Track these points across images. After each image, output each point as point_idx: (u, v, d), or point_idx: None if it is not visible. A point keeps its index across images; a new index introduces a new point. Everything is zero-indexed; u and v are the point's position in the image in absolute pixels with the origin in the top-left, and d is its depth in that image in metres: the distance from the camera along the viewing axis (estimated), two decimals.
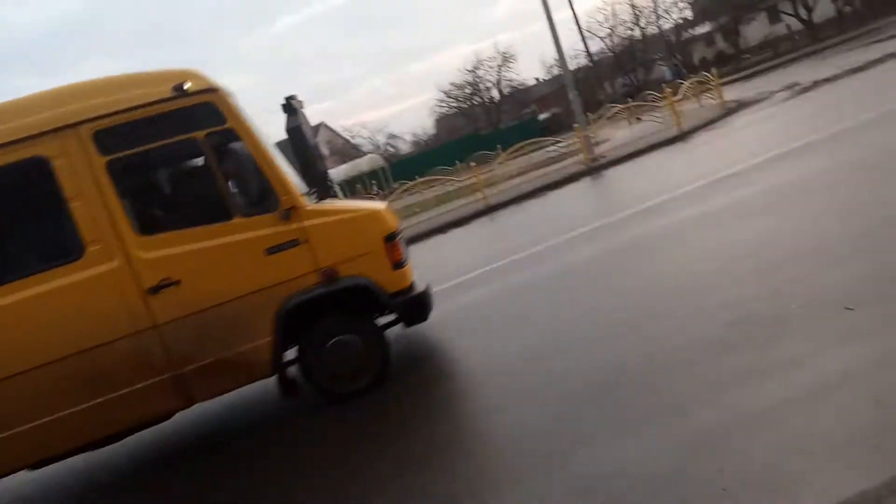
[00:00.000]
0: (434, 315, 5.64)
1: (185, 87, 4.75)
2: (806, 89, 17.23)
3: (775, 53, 39.43)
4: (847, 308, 3.91)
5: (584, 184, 15.52)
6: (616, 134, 22.54)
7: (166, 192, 5.46)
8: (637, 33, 49.44)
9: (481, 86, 61.04)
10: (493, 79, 60.49)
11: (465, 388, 5.08)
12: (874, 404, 2.95)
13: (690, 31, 48.06)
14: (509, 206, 15.95)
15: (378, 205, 5.63)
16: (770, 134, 12.26)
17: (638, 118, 23.05)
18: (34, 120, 4.58)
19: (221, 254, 4.85)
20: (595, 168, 16.76)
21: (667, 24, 48.87)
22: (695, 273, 5.63)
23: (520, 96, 63.70)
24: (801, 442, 2.88)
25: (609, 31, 49.90)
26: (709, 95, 21.39)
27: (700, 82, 22.40)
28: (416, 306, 5.32)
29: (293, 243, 4.95)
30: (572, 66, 49.06)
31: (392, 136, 66.95)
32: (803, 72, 22.92)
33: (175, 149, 5.00)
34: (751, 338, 4.00)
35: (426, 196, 21.69)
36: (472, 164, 18.99)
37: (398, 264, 5.23)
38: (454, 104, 62.66)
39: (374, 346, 5.21)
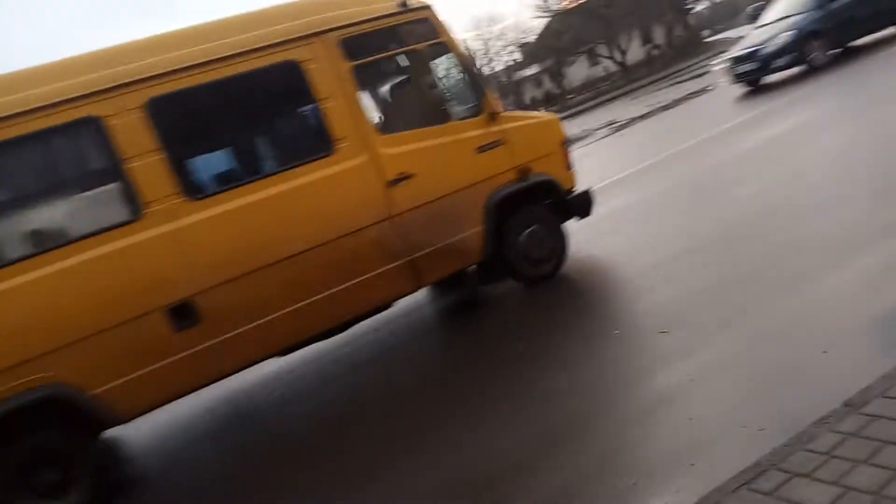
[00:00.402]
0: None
1: (408, 2, 5.33)
2: (623, 126, 18.67)
3: (596, 93, 42.44)
4: (661, 332, 4.13)
5: None
6: None
7: (397, 97, 6.18)
8: None
9: None
10: None
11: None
12: (688, 423, 3.12)
13: (520, 72, 50.71)
14: None
15: (552, 114, 6.92)
16: (589, 170, 12.92)
17: None
18: (287, 27, 4.92)
19: (444, 152, 5.46)
20: None
21: (499, 66, 51.32)
22: None
23: None
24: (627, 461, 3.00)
25: None
26: None
27: None
28: (584, 202, 6.23)
29: (496, 143, 5.68)
30: None
31: None
32: (620, 109, 24.93)
33: (402, 58, 5.79)
34: None
35: None
36: None
37: (569, 166, 6.19)
38: None
39: (557, 236, 6.05)
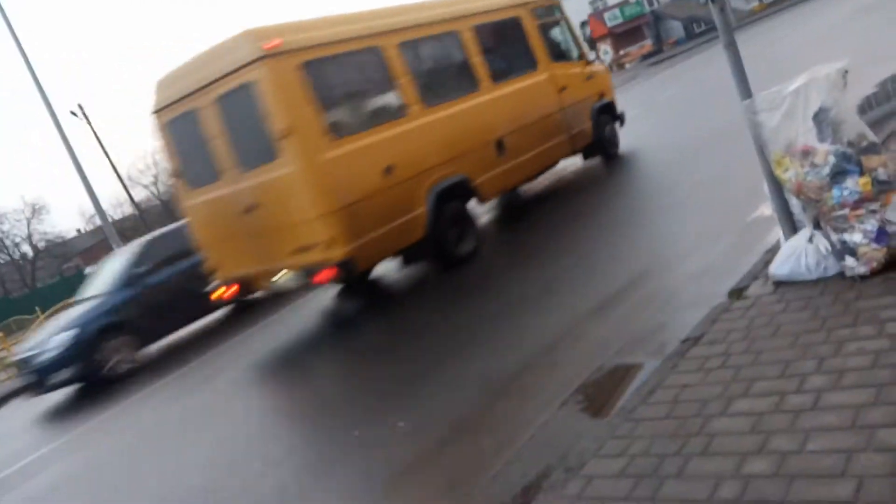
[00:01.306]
0: None
1: None
2: None
3: None
4: (398, 424, 4.12)
5: None
6: None
7: (553, 42, 9.73)
8: None
9: (8, 242, 53.71)
10: (23, 233, 53.85)
11: None
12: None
13: None
14: None
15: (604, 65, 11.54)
16: None
17: None
18: (509, 1, 9.06)
19: (576, 77, 9.71)
20: None
21: None
22: None
23: (59, 250, 57.68)
24: None
25: (153, 178, 49.18)
26: None
27: None
28: (622, 115, 10.76)
29: (592, 76, 10.09)
30: (118, 214, 47.46)
31: None
32: None
33: (553, 22, 9.85)
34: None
35: None
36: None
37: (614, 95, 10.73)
38: None
39: (615, 134, 10.53)
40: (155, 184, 49.05)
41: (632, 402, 3.05)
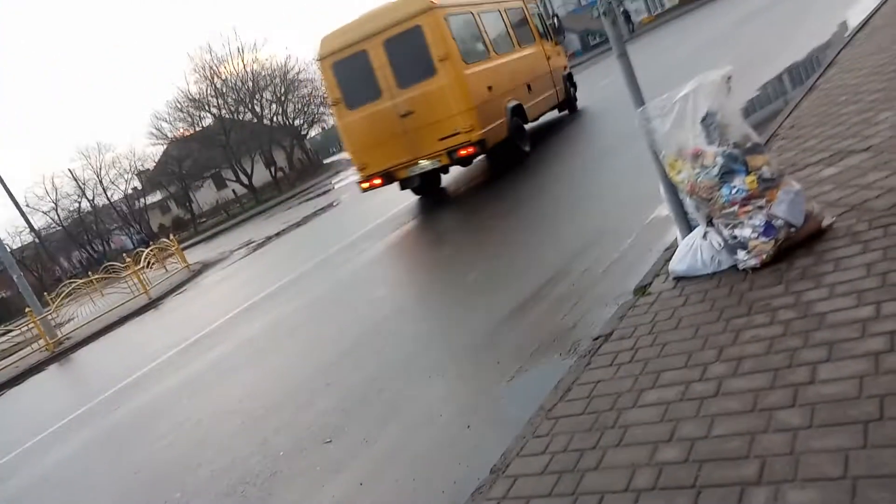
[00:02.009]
0: None
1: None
2: (260, 245, 19.05)
3: (228, 215, 42.92)
4: (326, 442, 4.10)
5: (49, 373, 13.75)
6: (81, 311, 20.98)
7: (540, 27, 14.52)
8: (85, 205, 47.41)
9: None
10: None
11: None
12: None
13: (143, 200, 48.66)
14: None
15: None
16: (236, 289, 12.95)
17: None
18: None
19: (553, 51, 14.39)
20: (61, 352, 15.08)
21: (116, 195, 48.44)
22: (182, 448, 5.29)
23: None
24: None
25: (53, 204, 46.75)
26: (173, 260, 21.70)
27: (161, 249, 22.60)
28: (575, 83, 15.39)
29: (559, 53, 15.13)
30: (16, 243, 44.88)
31: None
32: (255, 229, 25.47)
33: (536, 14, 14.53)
34: (249, 499, 3.93)
35: None
36: None
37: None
38: None
39: (575, 96, 15.48)
40: (55, 209, 46.40)
41: (550, 401, 3.15)
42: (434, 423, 3.85)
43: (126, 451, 5.94)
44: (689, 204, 3.78)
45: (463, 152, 9.97)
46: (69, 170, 47.14)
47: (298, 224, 19.80)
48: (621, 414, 2.77)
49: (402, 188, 11.58)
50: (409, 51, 9.94)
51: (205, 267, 19.61)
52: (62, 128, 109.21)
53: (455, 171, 12.76)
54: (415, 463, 3.51)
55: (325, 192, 29.03)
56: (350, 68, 10.45)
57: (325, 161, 59.05)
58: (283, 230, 19.96)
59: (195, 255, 23.78)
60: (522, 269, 5.86)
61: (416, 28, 9.88)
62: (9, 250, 21.72)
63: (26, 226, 43.57)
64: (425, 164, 10.40)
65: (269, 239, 19.50)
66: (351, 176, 30.45)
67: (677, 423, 2.55)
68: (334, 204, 21.45)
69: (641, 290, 3.90)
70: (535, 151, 12.08)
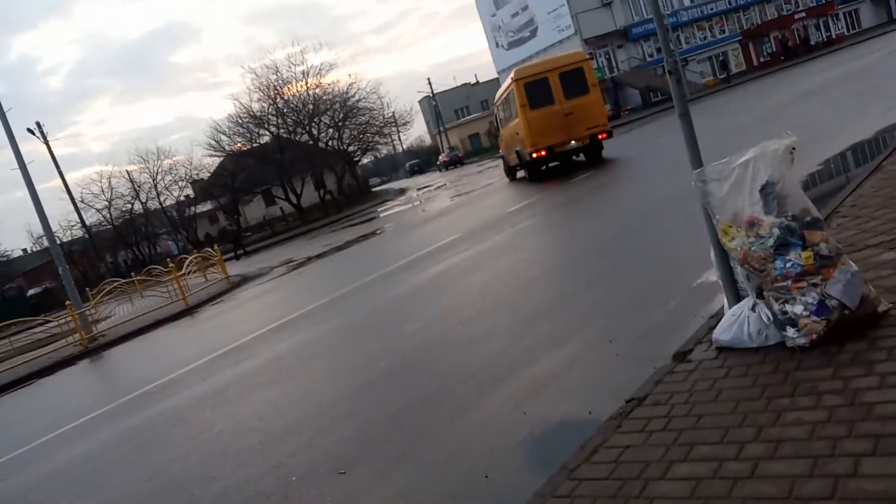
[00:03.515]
0: None
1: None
2: (300, 264, 19.24)
3: (273, 232, 43.58)
4: (340, 472, 4.02)
5: (80, 368, 13.96)
6: (119, 310, 21.40)
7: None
8: (138, 207, 48.76)
9: None
10: None
11: None
12: None
13: (193, 208, 49.81)
14: None
15: None
16: (271, 306, 13.06)
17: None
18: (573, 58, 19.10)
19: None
20: (94, 349, 15.33)
21: (169, 201, 49.70)
22: (198, 459, 5.27)
23: (2, 269, 55.61)
24: None
25: (107, 203, 48.16)
26: (213, 270, 22.06)
27: (204, 258, 23.00)
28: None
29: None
30: (67, 236, 46.20)
31: None
32: (297, 249, 25.83)
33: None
34: None
35: None
36: None
37: None
38: None
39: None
40: (108, 208, 47.85)
41: (574, 461, 3.03)
42: (452, 467, 3.75)
43: (143, 455, 5.95)
44: (739, 273, 3.66)
45: (600, 137, 17.82)
46: (127, 171, 48.57)
47: (340, 248, 19.98)
48: (648, 484, 2.65)
49: (551, 161, 18.74)
50: (573, 80, 17.63)
51: (244, 280, 19.87)
52: (129, 129, 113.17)
53: (509, 224, 12.73)
54: None
55: (369, 220, 29.32)
56: (535, 86, 17.67)
57: (374, 189, 59.79)
58: (324, 252, 20.15)
59: (236, 268, 24.15)
60: (563, 320, 5.75)
61: (580, 68, 17.89)
62: (58, 242, 22.35)
63: (79, 220, 45.08)
64: (573, 144, 17.76)
65: (309, 259, 19.70)
66: (398, 206, 30.75)
67: (707, 501, 2.42)
68: (377, 232, 21.61)
69: (681, 356, 3.77)
70: (583, 206, 12.02)
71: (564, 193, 14.80)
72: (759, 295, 3.56)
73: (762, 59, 51.11)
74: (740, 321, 3.58)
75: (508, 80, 18.90)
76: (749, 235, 3.45)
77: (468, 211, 18.90)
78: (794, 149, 3.44)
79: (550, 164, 19.09)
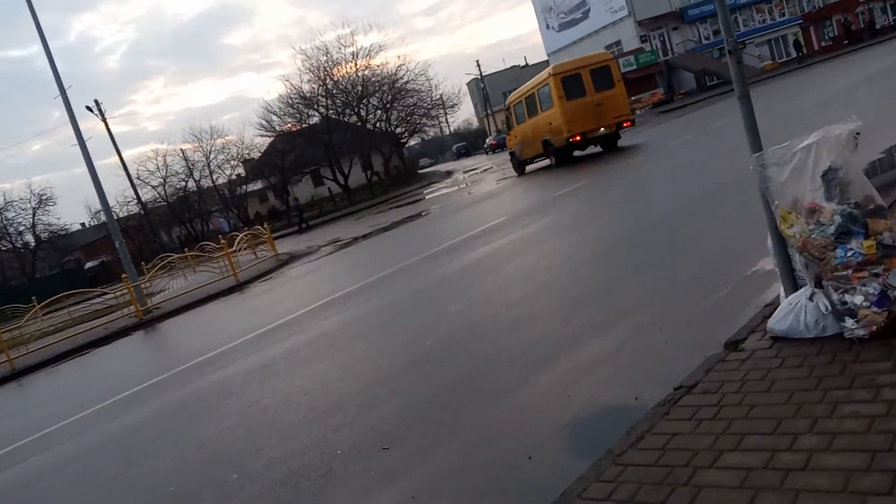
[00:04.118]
0: None
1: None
2: (347, 244, 19.46)
3: (320, 212, 44.07)
4: (384, 448, 4.06)
5: (134, 339, 14.44)
6: (172, 284, 21.97)
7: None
8: (192, 185, 49.89)
9: (11, 230, 53.54)
10: (28, 222, 53.76)
11: None
12: None
13: (244, 187, 50.68)
14: (43, 368, 13.89)
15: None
16: (318, 284, 13.25)
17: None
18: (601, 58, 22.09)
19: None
20: (148, 321, 15.80)
21: (221, 179, 50.68)
22: (245, 430, 5.39)
23: (61, 242, 57.49)
24: None
25: (162, 180, 49.39)
26: (263, 248, 22.45)
27: (254, 235, 23.43)
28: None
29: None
30: (124, 212, 47.58)
31: None
32: (344, 229, 26.11)
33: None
34: (301, 492, 3.93)
35: None
36: None
37: None
38: None
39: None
40: (163, 185, 49.15)
41: (620, 446, 3.00)
42: (495, 447, 3.75)
43: (193, 424, 6.12)
44: (797, 261, 3.54)
45: (624, 125, 20.80)
46: (181, 149, 49.81)
47: (385, 229, 20.11)
48: (697, 472, 2.60)
49: (584, 146, 20.93)
50: (602, 75, 20.16)
51: (292, 258, 20.19)
52: (183, 108, 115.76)
53: (556, 208, 12.62)
54: (469, 486, 3.43)
55: (415, 201, 29.41)
56: (570, 81, 20.10)
57: (420, 171, 59.85)
58: (371, 233, 20.32)
59: (285, 246, 24.55)
60: (610, 304, 5.68)
61: (608, 66, 20.55)
62: (115, 218, 23.04)
63: (135, 197, 46.43)
64: (602, 130, 20.09)
65: (355, 240, 19.89)
66: (444, 188, 30.74)
67: (757, 492, 2.37)
68: (423, 214, 21.67)
69: (733, 344, 3.68)
70: (634, 191, 11.82)
71: (613, 178, 14.58)
72: (818, 284, 3.44)
73: (823, 44, 49.21)
74: (797, 311, 3.47)
75: (539, 77, 21.81)
76: (809, 222, 3.33)
77: (514, 194, 18.79)
78: (858, 134, 3.30)
79: (576, 153, 21.50)
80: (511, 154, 25.51)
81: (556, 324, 5.56)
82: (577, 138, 19.74)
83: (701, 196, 9.04)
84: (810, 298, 3.44)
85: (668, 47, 48.30)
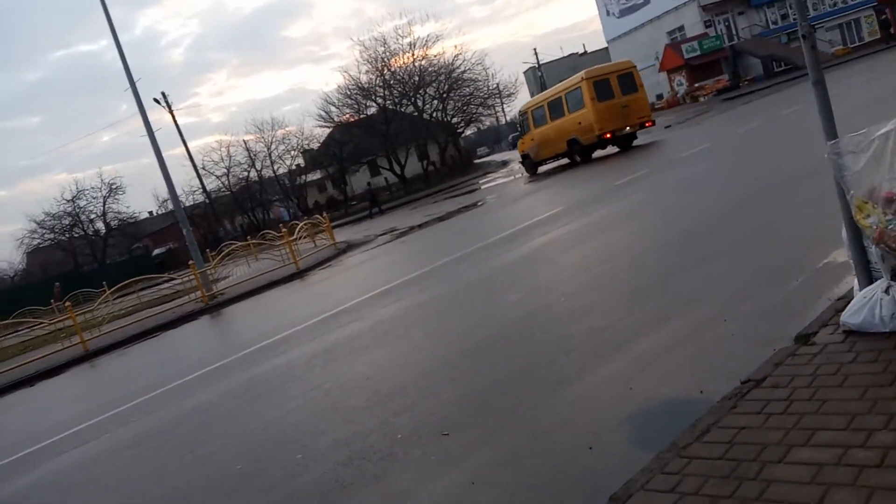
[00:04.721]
0: None
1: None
2: (403, 233, 19.62)
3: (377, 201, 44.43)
4: (444, 434, 4.11)
5: (200, 323, 14.92)
6: (236, 271, 22.56)
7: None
8: (253, 175, 51.03)
9: (84, 217, 55.83)
10: (99, 210, 55.95)
11: None
12: None
13: (303, 177, 51.55)
14: (114, 350, 14.50)
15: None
16: (375, 272, 13.42)
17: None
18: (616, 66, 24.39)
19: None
20: (213, 306, 16.29)
21: (281, 169, 51.68)
22: (308, 413, 5.54)
23: (130, 230, 59.67)
24: None
25: (225, 170, 50.68)
26: (322, 236, 22.83)
27: (313, 224, 23.85)
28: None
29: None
30: (189, 201, 49.08)
31: None
32: (400, 218, 26.33)
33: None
34: (363, 474, 4.02)
35: (9, 342, 19.07)
36: (68, 303, 16.90)
37: None
38: (50, 236, 55.17)
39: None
40: (227, 175, 50.53)
41: (684, 439, 2.96)
42: (555, 437, 3.75)
43: (258, 406, 6.32)
44: (873, 253, 3.41)
45: (646, 125, 23.16)
46: (243, 140, 51.06)
47: (441, 218, 20.19)
48: (765, 467, 2.55)
49: (606, 144, 23.01)
50: (627, 80, 22.63)
51: (350, 247, 20.50)
52: (245, 100, 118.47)
53: (616, 198, 12.45)
54: (529, 473, 3.44)
55: (471, 191, 29.40)
56: (600, 84, 22.29)
57: (476, 161, 59.72)
58: (426, 222, 20.43)
59: (342, 235, 24.93)
60: (673, 296, 5.59)
61: (631, 72, 22.92)
62: (182, 206, 23.80)
63: (200, 186, 47.87)
64: (628, 129, 22.33)
65: (411, 229, 20.04)
66: (500, 178, 30.62)
67: (829, 488, 2.31)
68: (479, 203, 21.65)
69: (804, 338, 3.58)
70: (699, 180, 11.55)
71: (675, 168, 14.26)
72: (894, 277, 3.31)
73: None
74: (872, 304, 3.35)
75: (568, 82, 24.30)
76: (886, 213, 3.21)
77: (572, 183, 18.59)
78: None
79: (596, 153, 23.87)
80: (523, 156, 27.77)
81: (616, 314, 5.51)
82: (608, 135, 21.99)
83: (769, 185, 8.77)
84: (886, 291, 3.32)
85: (734, 32, 46.75)
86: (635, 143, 23.28)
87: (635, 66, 23.62)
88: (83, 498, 5.53)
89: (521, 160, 28.70)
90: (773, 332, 3.98)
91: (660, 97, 49.05)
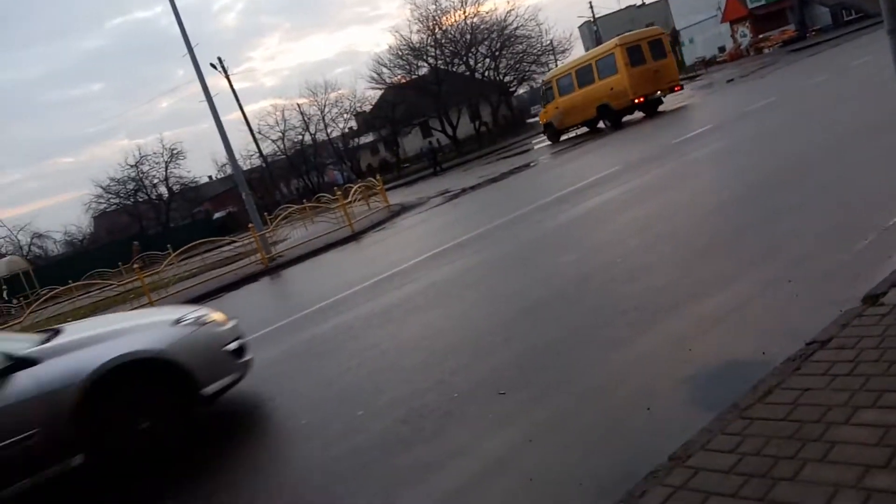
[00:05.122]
0: None
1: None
2: (456, 195, 19.57)
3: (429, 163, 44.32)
4: (500, 393, 4.16)
5: (261, 284, 15.32)
6: (293, 233, 22.96)
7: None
8: (308, 139, 51.50)
9: (147, 182, 57.56)
10: (161, 175, 57.53)
11: None
12: (528, 483, 3.14)
13: (357, 139, 51.69)
14: None
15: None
16: (429, 234, 13.49)
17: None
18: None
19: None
20: (273, 268, 16.68)
21: (335, 133, 51.95)
22: (367, 372, 5.67)
23: (191, 194, 61.31)
24: None
25: (280, 134, 51.27)
26: (376, 199, 23.00)
27: (367, 187, 24.02)
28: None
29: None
30: (246, 165, 49.97)
31: (38, 236, 59.12)
32: (453, 180, 26.29)
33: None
34: (421, 431, 4.11)
35: (81, 303, 19.86)
36: (136, 266, 17.58)
37: None
38: (115, 201, 57.29)
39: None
40: (282, 139, 51.24)
41: (746, 400, 2.93)
42: (612, 397, 3.76)
43: (321, 364, 6.50)
44: None
45: (675, 89, 23.90)
46: (297, 104, 51.59)
47: (495, 179, 20.08)
48: (830, 428, 2.51)
49: (641, 107, 23.49)
50: (657, 47, 23.39)
51: (403, 209, 20.63)
52: (297, 63, 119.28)
53: (676, 156, 12.14)
54: (586, 433, 3.47)
55: (524, 152, 29.08)
56: (633, 50, 22.97)
57: (529, 121, 58.89)
58: (479, 184, 20.36)
59: (396, 197, 25.09)
60: (737, 255, 5.46)
61: (660, 39, 23.77)
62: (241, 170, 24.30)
63: (257, 150, 48.73)
64: (658, 94, 23.11)
65: (464, 191, 20.00)
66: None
67: None
68: (532, 164, 21.42)
69: (872, 298, 3.47)
70: (763, 136, 11.15)
71: (740, 124, 13.77)
72: None
73: None
74: None
75: (601, 48, 25.16)
76: None
77: (628, 141, 18.19)
78: None
79: (625, 118, 24.50)
80: (546, 125, 28.64)
81: (675, 274, 5.43)
82: (641, 99, 22.72)
83: (838, 140, 8.41)
84: None
85: None
86: (663, 107, 23.75)
87: (664, 33, 24.86)
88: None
89: (542, 130, 29.86)
90: (840, 292, 3.87)
91: (722, 50, 47.18)
